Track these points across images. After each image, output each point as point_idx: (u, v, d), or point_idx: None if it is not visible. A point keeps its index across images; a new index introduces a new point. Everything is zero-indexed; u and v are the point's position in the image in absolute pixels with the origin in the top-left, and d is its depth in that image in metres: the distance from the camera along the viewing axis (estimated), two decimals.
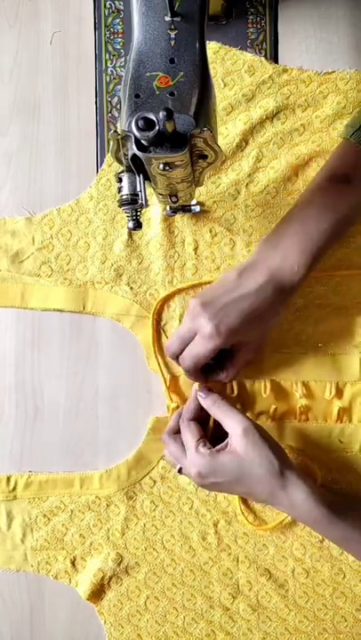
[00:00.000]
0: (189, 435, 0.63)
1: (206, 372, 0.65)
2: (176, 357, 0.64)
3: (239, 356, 0.65)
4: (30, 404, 0.71)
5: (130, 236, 0.69)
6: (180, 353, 0.63)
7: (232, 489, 0.63)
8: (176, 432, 0.66)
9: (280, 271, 0.60)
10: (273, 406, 0.68)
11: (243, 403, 0.69)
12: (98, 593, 0.69)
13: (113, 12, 0.70)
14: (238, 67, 0.68)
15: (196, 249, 0.69)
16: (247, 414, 0.67)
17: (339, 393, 0.68)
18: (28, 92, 0.71)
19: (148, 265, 0.69)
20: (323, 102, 0.68)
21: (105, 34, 0.70)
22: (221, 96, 0.68)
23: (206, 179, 0.68)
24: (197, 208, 0.65)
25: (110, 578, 0.69)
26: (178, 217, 0.68)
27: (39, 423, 0.71)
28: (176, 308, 0.69)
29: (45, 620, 0.71)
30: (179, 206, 0.63)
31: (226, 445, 0.62)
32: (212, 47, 0.68)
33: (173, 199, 0.56)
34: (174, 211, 0.64)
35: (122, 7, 0.69)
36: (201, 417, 0.66)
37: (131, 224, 0.50)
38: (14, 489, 0.70)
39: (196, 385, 0.66)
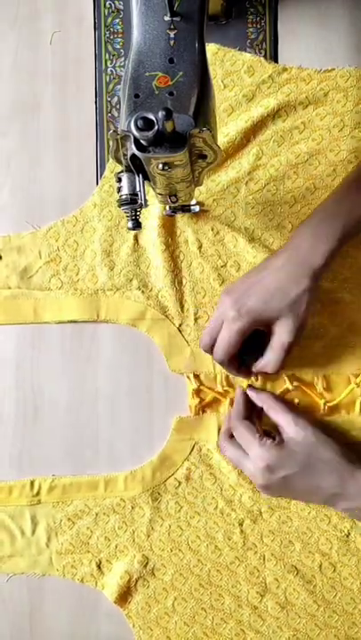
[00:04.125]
0: (248, 433, 0.64)
1: (246, 362, 0.66)
2: (210, 350, 0.65)
3: (275, 338, 0.62)
4: (30, 404, 0.71)
5: (136, 240, 0.70)
6: (213, 345, 0.64)
7: (299, 483, 0.62)
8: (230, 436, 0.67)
9: (300, 247, 0.60)
10: (296, 400, 0.69)
11: None
12: (125, 596, 0.69)
13: (113, 12, 0.70)
14: (238, 67, 0.68)
15: (200, 247, 0.69)
16: None
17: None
18: (28, 92, 0.71)
19: (156, 267, 0.70)
20: (323, 100, 0.68)
21: (105, 34, 0.70)
22: (221, 97, 0.68)
23: (206, 178, 0.68)
24: (197, 208, 0.65)
25: (137, 580, 0.69)
26: (178, 217, 0.69)
27: (39, 423, 0.71)
28: (190, 308, 0.70)
29: (45, 619, 0.71)
30: (178, 206, 0.63)
31: (282, 440, 0.63)
32: (210, 49, 0.68)
33: (173, 199, 0.56)
34: (174, 211, 0.64)
35: (122, 7, 0.70)
36: (249, 417, 0.67)
37: (130, 224, 0.51)
38: (38, 493, 0.70)
39: (240, 383, 0.68)
